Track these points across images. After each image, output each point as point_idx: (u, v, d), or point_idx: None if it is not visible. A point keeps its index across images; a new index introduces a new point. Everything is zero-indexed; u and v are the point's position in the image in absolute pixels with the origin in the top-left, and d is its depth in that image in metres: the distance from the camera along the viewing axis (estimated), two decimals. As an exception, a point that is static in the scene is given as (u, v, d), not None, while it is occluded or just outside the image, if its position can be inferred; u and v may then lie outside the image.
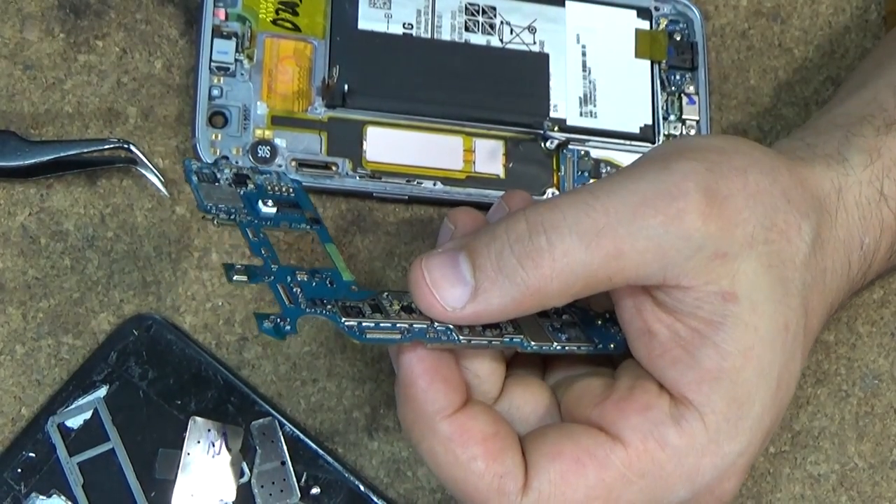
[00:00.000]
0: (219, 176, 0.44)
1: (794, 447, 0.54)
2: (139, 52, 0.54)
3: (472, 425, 0.43)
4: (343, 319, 0.41)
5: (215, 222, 0.43)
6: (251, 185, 0.45)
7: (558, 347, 0.45)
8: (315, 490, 0.49)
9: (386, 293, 0.43)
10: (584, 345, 0.46)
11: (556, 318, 0.46)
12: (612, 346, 0.47)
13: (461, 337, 0.43)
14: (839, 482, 0.54)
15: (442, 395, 0.42)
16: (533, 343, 0.45)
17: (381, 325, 0.42)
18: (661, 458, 0.42)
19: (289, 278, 0.42)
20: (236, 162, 0.52)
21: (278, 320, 0.40)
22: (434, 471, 0.43)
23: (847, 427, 0.54)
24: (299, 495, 0.49)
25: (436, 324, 0.42)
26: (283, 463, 0.49)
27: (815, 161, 0.47)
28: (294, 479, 0.49)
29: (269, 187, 0.45)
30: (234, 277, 0.41)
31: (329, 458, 0.50)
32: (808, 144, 0.48)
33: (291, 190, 0.45)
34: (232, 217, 0.43)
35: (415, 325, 0.42)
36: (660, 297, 0.43)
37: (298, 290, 0.42)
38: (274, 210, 0.44)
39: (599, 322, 0.47)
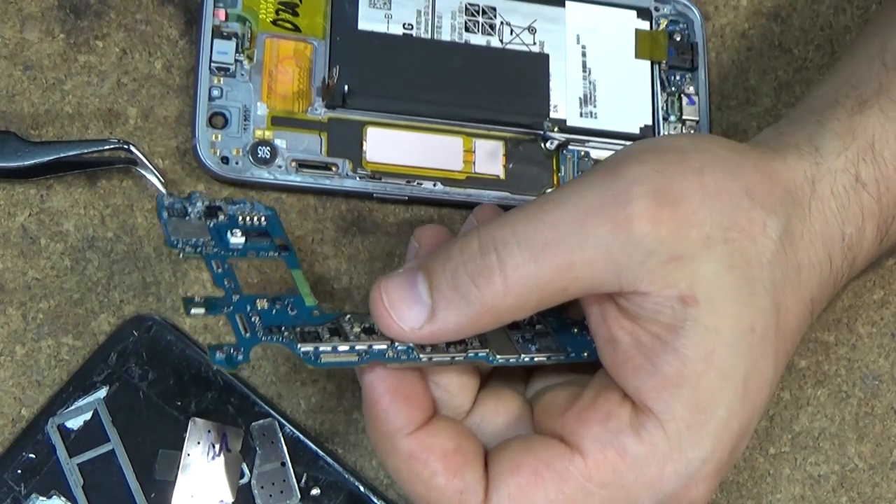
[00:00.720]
0: (189, 209, 0.45)
1: (794, 448, 0.54)
2: (139, 53, 0.54)
3: (433, 442, 0.43)
4: (299, 345, 0.42)
5: (181, 256, 0.44)
6: (223, 217, 0.45)
7: (527, 359, 0.46)
8: (315, 491, 0.49)
9: (349, 315, 0.44)
10: (555, 354, 0.46)
11: (529, 328, 0.47)
12: (585, 353, 0.47)
13: (422, 355, 0.43)
14: (839, 483, 0.54)
15: (403, 413, 0.43)
16: (499, 356, 0.45)
17: (339, 348, 0.43)
18: (622, 467, 0.42)
19: (248, 307, 0.43)
20: (236, 163, 0.52)
21: (231, 350, 0.41)
22: (400, 486, 0.44)
23: (847, 428, 0.55)
24: (299, 496, 0.49)
25: (397, 344, 0.43)
26: (283, 464, 0.49)
27: (787, 152, 0.46)
28: (294, 480, 0.49)
29: (240, 217, 0.46)
30: (192, 311, 0.42)
31: (329, 459, 0.50)
32: (781, 133, 0.47)
33: (264, 218, 0.46)
34: (198, 250, 0.44)
35: (374, 347, 0.43)
36: (622, 303, 0.43)
37: (257, 318, 0.42)
38: (242, 240, 0.45)
39: (575, 329, 0.47)
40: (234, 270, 0.44)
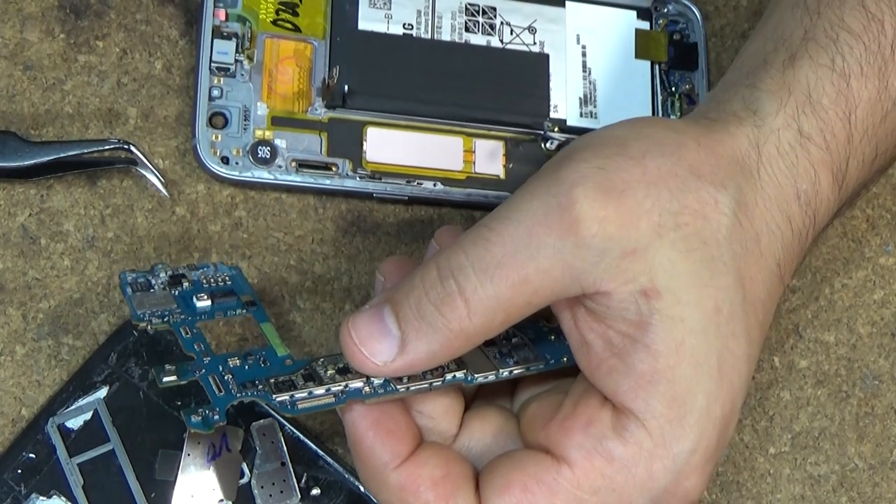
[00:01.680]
0: (153, 282, 0.46)
1: (794, 448, 0.54)
2: (139, 53, 0.54)
3: (421, 472, 0.43)
4: (274, 396, 0.43)
5: (149, 329, 0.45)
6: (187, 283, 0.46)
7: (505, 374, 0.46)
8: (315, 491, 0.49)
9: (321, 359, 0.44)
10: (534, 364, 0.46)
11: (505, 342, 0.47)
12: (565, 359, 0.46)
13: (399, 386, 0.44)
14: (839, 483, 0.54)
15: (388, 447, 0.44)
16: (477, 375, 0.45)
17: (315, 392, 0.43)
18: (610, 472, 0.42)
19: (220, 367, 0.43)
20: (236, 163, 0.52)
21: (206, 412, 0.42)
22: None
23: (847, 428, 0.55)
24: (299, 496, 0.49)
25: (373, 379, 0.44)
26: (284, 464, 0.49)
27: (727, 121, 0.45)
28: (294, 479, 0.49)
29: (204, 281, 0.47)
30: (164, 379, 0.43)
31: (329, 459, 0.50)
32: (719, 102, 0.47)
33: (228, 278, 0.47)
34: (165, 320, 0.45)
35: (350, 386, 0.43)
36: (589, 305, 0.43)
37: (230, 376, 0.43)
38: (209, 303, 0.46)
39: (552, 337, 0.47)
40: (205, 333, 0.45)
